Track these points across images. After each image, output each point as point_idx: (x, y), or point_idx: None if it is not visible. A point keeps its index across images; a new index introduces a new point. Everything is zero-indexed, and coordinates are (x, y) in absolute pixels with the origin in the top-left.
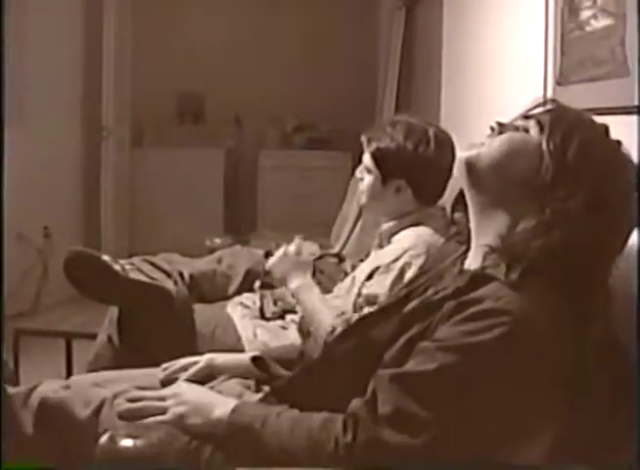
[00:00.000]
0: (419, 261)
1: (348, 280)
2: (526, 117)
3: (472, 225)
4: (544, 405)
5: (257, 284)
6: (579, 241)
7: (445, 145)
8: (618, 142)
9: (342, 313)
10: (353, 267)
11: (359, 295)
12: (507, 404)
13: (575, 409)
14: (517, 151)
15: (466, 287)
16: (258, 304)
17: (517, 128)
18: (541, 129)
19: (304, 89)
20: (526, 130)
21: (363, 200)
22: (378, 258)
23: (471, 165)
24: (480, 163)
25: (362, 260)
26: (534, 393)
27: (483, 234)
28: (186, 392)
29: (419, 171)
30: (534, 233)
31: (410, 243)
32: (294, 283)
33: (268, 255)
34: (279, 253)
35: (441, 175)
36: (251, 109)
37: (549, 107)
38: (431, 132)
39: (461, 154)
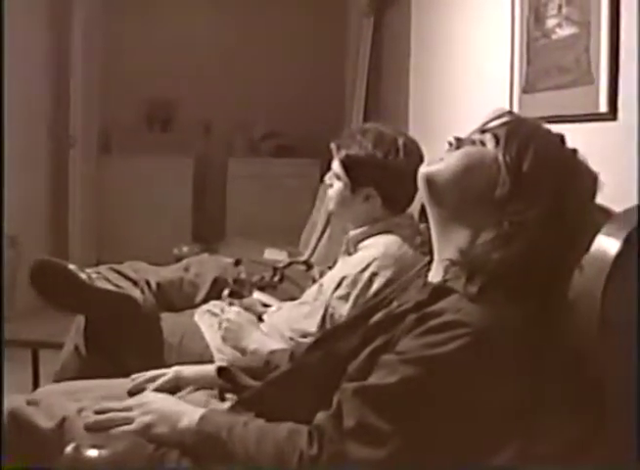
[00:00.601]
0: (387, 273)
1: (315, 287)
2: (483, 130)
3: (433, 239)
4: (507, 415)
5: (226, 293)
6: (538, 252)
7: (414, 154)
8: (574, 151)
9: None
10: (321, 274)
11: (326, 308)
12: (469, 415)
13: (539, 418)
14: (474, 165)
15: (427, 300)
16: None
17: (474, 142)
18: (497, 142)
19: (273, 97)
20: (483, 144)
21: (331, 206)
22: (346, 266)
23: (430, 182)
24: (439, 178)
25: (330, 268)
26: (496, 402)
27: (445, 247)
28: (153, 401)
29: (388, 179)
30: (493, 246)
31: (378, 252)
32: (252, 345)
33: (238, 263)
34: (224, 325)
35: (410, 184)
36: (220, 116)
37: (505, 119)
38: (400, 141)
39: (421, 170)
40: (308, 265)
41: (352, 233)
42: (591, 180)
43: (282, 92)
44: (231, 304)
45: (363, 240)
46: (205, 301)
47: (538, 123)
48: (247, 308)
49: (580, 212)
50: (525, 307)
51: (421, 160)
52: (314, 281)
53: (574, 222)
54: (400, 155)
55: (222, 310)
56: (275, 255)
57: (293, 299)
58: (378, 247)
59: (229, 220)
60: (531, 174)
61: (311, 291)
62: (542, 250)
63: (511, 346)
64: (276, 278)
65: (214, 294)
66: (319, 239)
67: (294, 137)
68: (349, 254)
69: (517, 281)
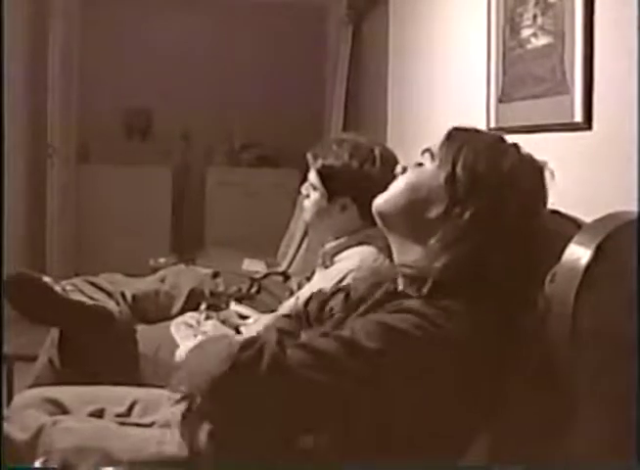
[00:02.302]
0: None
1: (292, 300)
2: (423, 151)
3: (394, 257)
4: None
5: (203, 306)
6: (481, 254)
7: (390, 163)
8: (516, 150)
9: None
10: (299, 285)
11: None
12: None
13: (503, 417)
14: (413, 187)
15: (384, 298)
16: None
17: (416, 165)
18: (432, 158)
19: (253, 106)
20: (421, 164)
21: (308, 217)
22: (322, 278)
23: (379, 213)
24: (386, 208)
25: (308, 279)
26: (439, 393)
27: (402, 263)
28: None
29: (364, 189)
30: (436, 253)
31: (354, 264)
32: None
33: (216, 275)
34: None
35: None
36: (199, 125)
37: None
38: (376, 151)
39: (374, 202)
40: (286, 276)
41: (328, 246)
42: (535, 181)
43: (262, 101)
44: (207, 316)
45: (340, 252)
46: (182, 312)
47: (476, 130)
48: (223, 321)
49: (523, 213)
50: (480, 311)
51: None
52: (292, 293)
53: (516, 222)
54: (377, 164)
55: (198, 323)
56: (254, 265)
57: (270, 310)
58: (354, 259)
59: (208, 231)
60: (464, 177)
61: (288, 303)
62: (485, 252)
63: (461, 344)
64: (253, 289)
65: (191, 305)
66: (297, 250)
67: (273, 147)
68: (326, 266)
69: (465, 284)
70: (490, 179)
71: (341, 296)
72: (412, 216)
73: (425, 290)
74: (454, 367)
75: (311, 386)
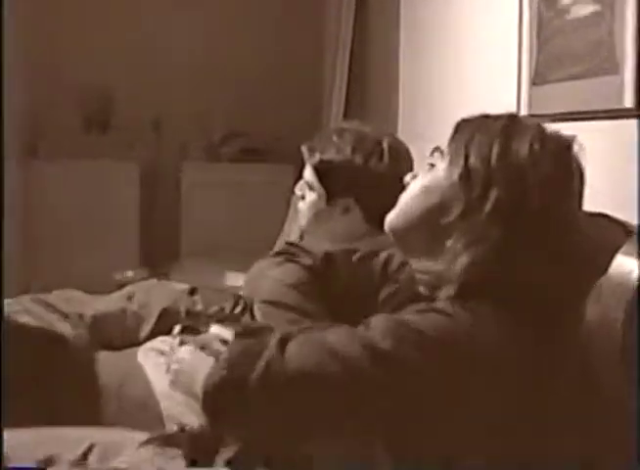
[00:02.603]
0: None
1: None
2: (433, 150)
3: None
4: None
5: (177, 329)
6: (506, 249)
7: (401, 158)
8: (536, 126)
9: None
10: None
11: None
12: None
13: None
14: (427, 193)
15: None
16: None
17: (429, 166)
18: (443, 156)
19: (237, 89)
20: (432, 165)
21: (303, 222)
22: None
23: (394, 231)
24: (400, 225)
25: None
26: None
27: (420, 270)
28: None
29: (370, 188)
30: (456, 255)
31: None
32: None
33: (194, 291)
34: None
35: (397, 193)
36: (172, 113)
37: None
38: (385, 143)
39: (386, 220)
40: None
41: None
42: (562, 162)
43: (247, 84)
44: (183, 342)
45: None
46: (152, 337)
47: (486, 115)
48: (202, 347)
49: (549, 200)
50: (510, 315)
51: (409, 165)
52: None
53: (543, 212)
54: (384, 159)
55: (172, 349)
56: (239, 280)
57: None
58: None
59: (184, 238)
60: (479, 169)
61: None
62: (510, 247)
63: (489, 350)
64: (238, 308)
65: (163, 328)
66: None
67: (262, 138)
68: None
69: (491, 285)
70: (508, 167)
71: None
72: (428, 226)
73: (451, 291)
74: (480, 376)
75: (314, 391)
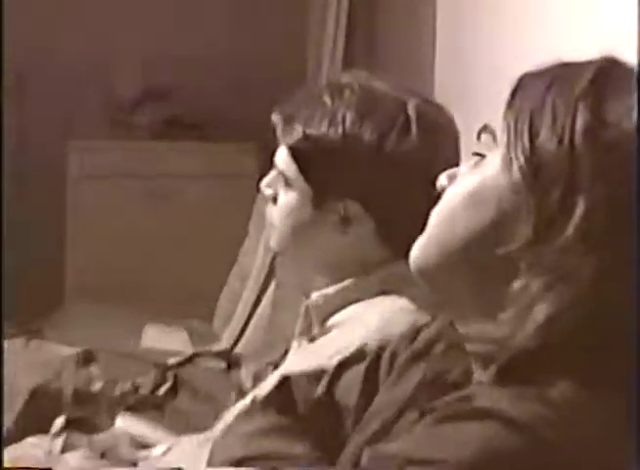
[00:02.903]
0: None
1: (244, 405)
2: (480, 130)
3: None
4: None
5: (59, 423)
6: (607, 290)
7: (440, 133)
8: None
9: None
10: (257, 378)
11: None
12: None
13: None
14: (470, 208)
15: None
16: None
17: (475, 158)
18: (494, 139)
19: (157, 21)
20: (481, 156)
21: (276, 239)
22: (305, 362)
23: (421, 272)
24: (429, 260)
25: (276, 367)
26: None
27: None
28: None
29: (387, 184)
30: (528, 307)
31: (368, 334)
32: None
33: (89, 359)
34: None
35: (430, 194)
36: (45, 61)
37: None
38: (411, 108)
39: (410, 255)
40: (230, 360)
41: (318, 296)
42: None
43: (183, 17)
44: (69, 444)
45: (340, 309)
46: (18, 436)
47: (564, 64)
48: (103, 453)
49: None
50: (609, 405)
51: (453, 147)
52: (241, 392)
53: None
54: (411, 135)
55: (50, 453)
56: (165, 338)
57: (198, 428)
58: (368, 323)
59: (70, 270)
60: (557, 153)
61: (235, 414)
62: (614, 288)
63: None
64: (164, 388)
65: (36, 421)
66: (253, 305)
67: (201, 103)
68: (312, 339)
69: (580, 354)
70: (605, 148)
71: (358, 369)
72: (479, 262)
73: (499, 364)
74: None
75: None
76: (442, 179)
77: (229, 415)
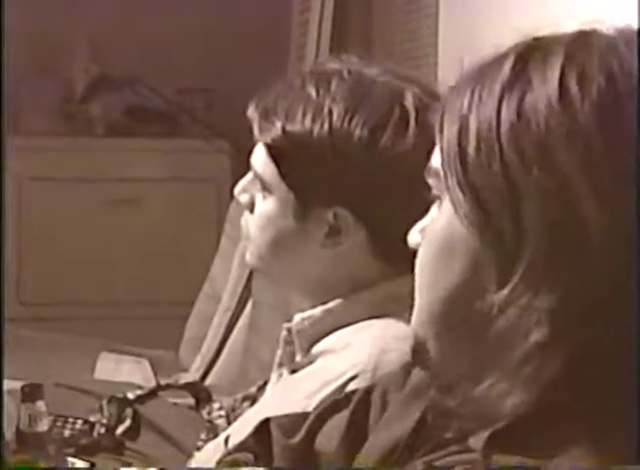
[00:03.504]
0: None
1: (214, 446)
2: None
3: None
4: None
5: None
6: (610, 341)
7: None
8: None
9: None
10: (230, 415)
11: None
12: None
13: None
14: (442, 264)
15: None
16: None
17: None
18: (437, 178)
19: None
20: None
21: (253, 254)
22: (285, 396)
23: (423, 346)
24: (427, 335)
25: (253, 403)
26: None
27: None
28: None
29: (382, 189)
30: (521, 365)
31: (359, 362)
32: None
33: (34, 395)
34: None
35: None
36: None
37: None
38: (408, 98)
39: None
40: (200, 395)
41: (302, 319)
42: None
43: None
44: None
45: (326, 335)
46: None
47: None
48: None
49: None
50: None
51: None
52: (212, 432)
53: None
54: (409, 130)
55: None
56: (122, 369)
57: None
58: (359, 350)
59: (11, 289)
60: (489, 184)
61: (205, 454)
62: (617, 339)
63: None
64: (122, 427)
65: None
66: (226, 329)
67: (166, 92)
68: (294, 370)
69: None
70: (536, 156)
71: (342, 415)
72: (464, 320)
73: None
74: None
75: None
76: (415, 236)
77: (196, 457)
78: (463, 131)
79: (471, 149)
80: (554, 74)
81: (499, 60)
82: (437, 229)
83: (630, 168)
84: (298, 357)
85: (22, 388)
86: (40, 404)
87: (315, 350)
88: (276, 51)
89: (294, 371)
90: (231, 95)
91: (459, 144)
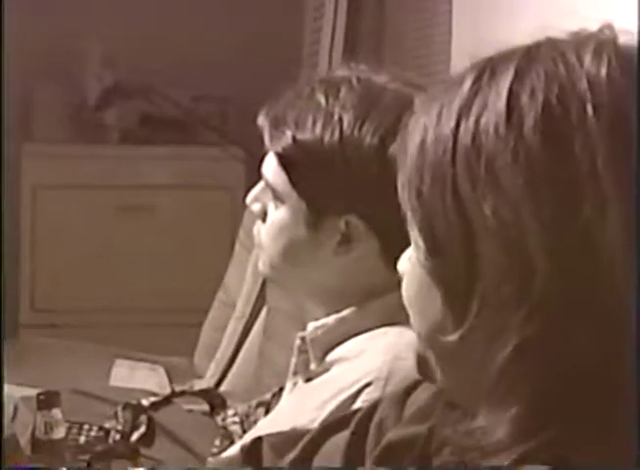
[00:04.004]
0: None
1: (231, 453)
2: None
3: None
4: None
5: None
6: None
7: None
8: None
9: None
10: (245, 421)
11: None
12: None
13: None
14: (423, 299)
15: None
16: None
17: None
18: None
19: (135, 5)
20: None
21: (266, 263)
22: (300, 403)
23: (426, 377)
24: (427, 365)
25: (267, 410)
26: None
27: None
28: None
29: (393, 197)
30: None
31: (373, 369)
32: None
33: (50, 401)
34: None
35: None
36: None
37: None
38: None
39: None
40: (214, 401)
41: (315, 328)
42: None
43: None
44: None
45: (341, 343)
46: None
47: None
48: None
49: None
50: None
51: None
52: (227, 438)
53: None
54: None
55: None
56: (136, 376)
57: None
58: (373, 357)
59: (26, 296)
60: (449, 214)
61: (221, 461)
62: (572, 347)
63: None
64: (137, 433)
65: None
66: (241, 336)
67: (181, 98)
68: (309, 378)
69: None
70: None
71: (341, 435)
72: (450, 353)
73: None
74: None
75: None
76: (404, 263)
77: (210, 465)
78: (419, 159)
79: (427, 178)
80: (502, 95)
81: (462, 77)
82: (413, 267)
83: (577, 198)
84: (313, 366)
85: (38, 395)
86: (56, 412)
87: (329, 358)
88: (290, 58)
89: (309, 379)
90: (245, 103)
91: (417, 174)
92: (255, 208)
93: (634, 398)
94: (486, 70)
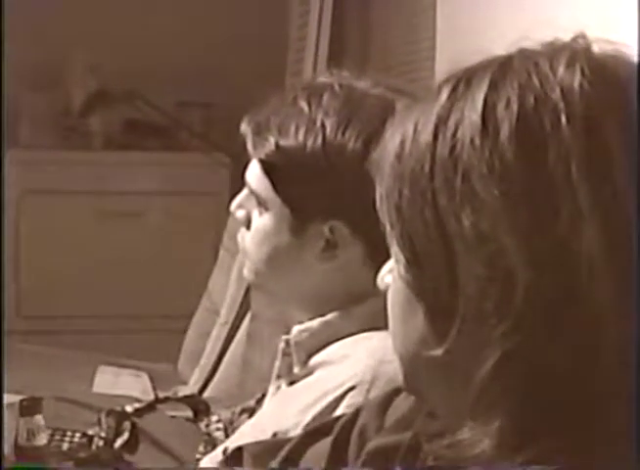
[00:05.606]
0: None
1: (211, 458)
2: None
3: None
4: None
5: None
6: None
7: None
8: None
9: None
10: (229, 427)
11: None
12: None
13: None
14: (407, 314)
15: None
16: None
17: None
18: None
19: (118, 9)
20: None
21: (251, 270)
22: (282, 407)
23: (411, 390)
24: (409, 379)
25: (251, 414)
26: None
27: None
28: None
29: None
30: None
31: (356, 372)
32: None
33: (33, 408)
34: None
35: None
36: None
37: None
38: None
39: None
40: (198, 407)
41: (299, 332)
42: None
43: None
44: None
45: (324, 347)
46: None
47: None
48: None
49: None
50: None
51: None
52: (210, 444)
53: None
54: None
55: None
56: (120, 382)
57: None
58: (357, 361)
59: (10, 302)
60: (429, 230)
61: (204, 466)
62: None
63: None
64: (120, 440)
65: None
66: (225, 342)
67: (166, 103)
68: (292, 381)
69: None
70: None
71: (323, 442)
72: (436, 366)
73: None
74: None
75: None
76: (386, 276)
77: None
78: (397, 172)
79: (406, 192)
80: (478, 106)
81: (439, 88)
82: (395, 280)
83: (553, 209)
84: (297, 369)
85: (21, 402)
86: (38, 418)
87: (313, 361)
88: (274, 65)
89: (292, 383)
90: (230, 109)
91: (396, 189)
92: (240, 215)
93: (634, 407)
94: (462, 80)
